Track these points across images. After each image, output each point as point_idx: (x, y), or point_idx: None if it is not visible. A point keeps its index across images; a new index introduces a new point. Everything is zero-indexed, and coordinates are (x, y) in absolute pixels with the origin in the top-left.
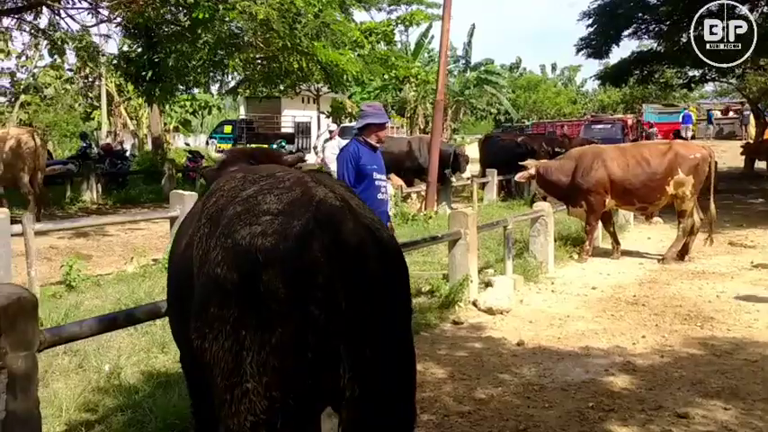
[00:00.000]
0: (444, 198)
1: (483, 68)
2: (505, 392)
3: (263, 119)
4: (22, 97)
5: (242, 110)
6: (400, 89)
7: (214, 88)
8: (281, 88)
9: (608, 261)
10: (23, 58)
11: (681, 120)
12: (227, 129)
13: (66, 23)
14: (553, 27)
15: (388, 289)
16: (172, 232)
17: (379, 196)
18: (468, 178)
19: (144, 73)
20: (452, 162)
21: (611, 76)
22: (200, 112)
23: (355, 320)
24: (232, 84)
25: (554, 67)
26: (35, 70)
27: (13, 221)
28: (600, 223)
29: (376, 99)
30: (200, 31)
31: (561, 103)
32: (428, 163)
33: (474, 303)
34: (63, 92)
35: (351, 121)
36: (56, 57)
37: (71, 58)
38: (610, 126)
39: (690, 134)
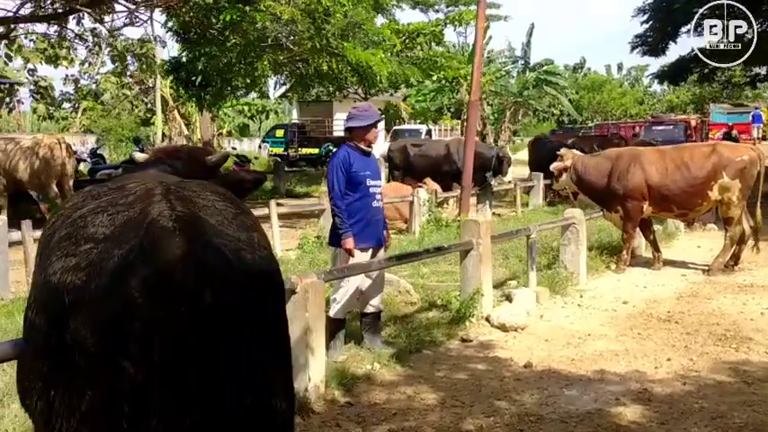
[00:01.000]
0: (485, 203)
1: (543, 69)
2: (497, 423)
3: (314, 122)
4: (84, 103)
5: (294, 113)
6: (457, 91)
7: (258, 92)
8: (330, 90)
9: (647, 272)
10: (86, 65)
11: (751, 119)
12: (279, 132)
13: (105, 27)
14: (620, 27)
15: (236, 328)
16: None
17: (374, 204)
18: (509, 182)
19: (194, 78)
20: (494, 165)
21: (669, 75)
22: (257, 117)
23: (173, 380)
24: (273, 87)
25: (620, 68)
26: (97, 77)
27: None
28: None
29: (432, 102)
30: (228, 33)
31: (627, 103)
32: None
33: (487, 319)
34: (122, 97)
35: (400, 124)
36: (118, 64)
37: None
38: (671, 127)
39: (760, 134)
